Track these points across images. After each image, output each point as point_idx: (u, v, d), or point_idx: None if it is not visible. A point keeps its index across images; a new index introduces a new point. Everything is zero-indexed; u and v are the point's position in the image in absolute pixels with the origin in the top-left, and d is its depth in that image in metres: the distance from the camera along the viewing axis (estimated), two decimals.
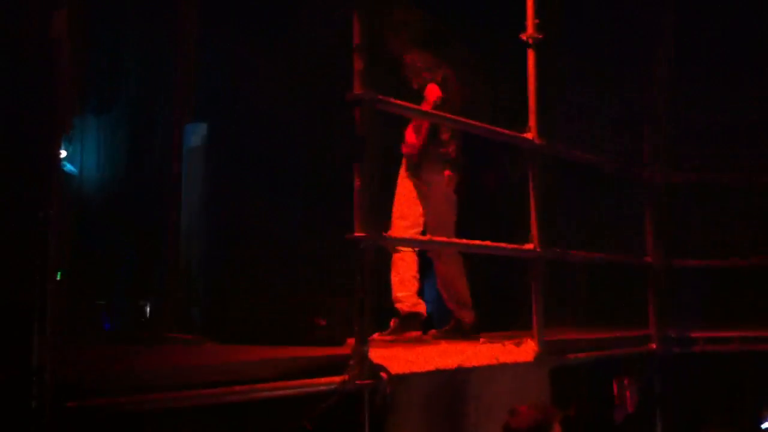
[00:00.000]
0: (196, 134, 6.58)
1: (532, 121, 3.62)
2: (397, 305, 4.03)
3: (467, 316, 4.11)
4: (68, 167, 6.61)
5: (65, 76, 2.17)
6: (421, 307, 4.07)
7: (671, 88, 5.03)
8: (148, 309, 5.66)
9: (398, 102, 3.04)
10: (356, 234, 2.81)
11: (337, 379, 2.68)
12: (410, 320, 4.01)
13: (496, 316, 4.75)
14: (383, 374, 2.78)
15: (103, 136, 7.01)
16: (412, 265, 4.03)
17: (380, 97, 2.91)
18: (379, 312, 3.94)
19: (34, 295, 2.07)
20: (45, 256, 2.11)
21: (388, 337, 3.88)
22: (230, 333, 3.44)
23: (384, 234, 2.88)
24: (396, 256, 4.02)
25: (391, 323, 4.02)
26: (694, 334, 4.63)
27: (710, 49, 5.86)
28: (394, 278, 4.05)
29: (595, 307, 5.76)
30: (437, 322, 4.50)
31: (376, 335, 3.77)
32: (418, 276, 4.07)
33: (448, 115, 3.58)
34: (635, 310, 4.85)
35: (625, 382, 4.05)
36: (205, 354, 3.05)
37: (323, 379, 2.67)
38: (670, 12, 5.16)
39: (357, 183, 2.85)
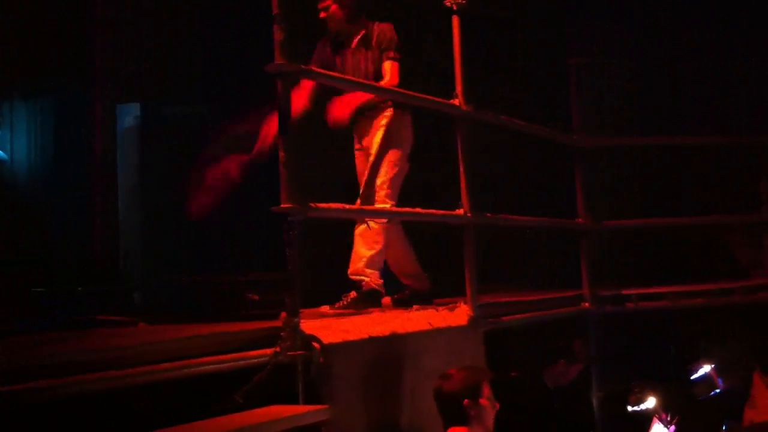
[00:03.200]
0: (129, 115, 6.48)
1: (458, 87, 3.64)
2: (360, 278, 3.88)
3: (423, 285, 4.10)
4: None
5: None
6: (382, 286, 3.97)
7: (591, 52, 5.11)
8: (85, 294, 5.58)
9: (323, 71, 3.03)
10: (284, 206, 2.80)
11: (269, 351, 2.68)
12: (372, 297, 3.88)
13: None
14: (316, 344, 2.79)
15: (33, 121, 6.84)
16: (382, 237, 3.93)
17: (303, 67, 2.90)
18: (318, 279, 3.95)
19: None
20: None
21: (343, 311, 3.72)
22: (166, 314, 3.41)
23: (312, 205, 2.86)
24: (361, 229, 3.91)
25: (350, 295, 3.84)
26: (626, 292, 4.74)
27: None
28: (362, 250, 3.91)
29: (525, 271, 5.85)
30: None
31: (325, 308, 3.76)
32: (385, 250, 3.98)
33: (378, 84, 3.57)
34: (565, 273, 4.95)
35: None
36: (137, 334, 3.01)
37: (255, 352, 2.67)
38: None
39: (282, 155, 2.83)
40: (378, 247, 3.90)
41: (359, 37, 4.07)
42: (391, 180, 3.95)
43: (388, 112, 4.01)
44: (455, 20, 3.70)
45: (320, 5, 4.06)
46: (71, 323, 3.63)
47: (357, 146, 4.18)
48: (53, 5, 6.02)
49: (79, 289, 5.76)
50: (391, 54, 4.01)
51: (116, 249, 5.91)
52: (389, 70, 3.94)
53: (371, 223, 3.87)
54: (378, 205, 3.89)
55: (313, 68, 2.99)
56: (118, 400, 2.38)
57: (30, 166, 6.74)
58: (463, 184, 3.57)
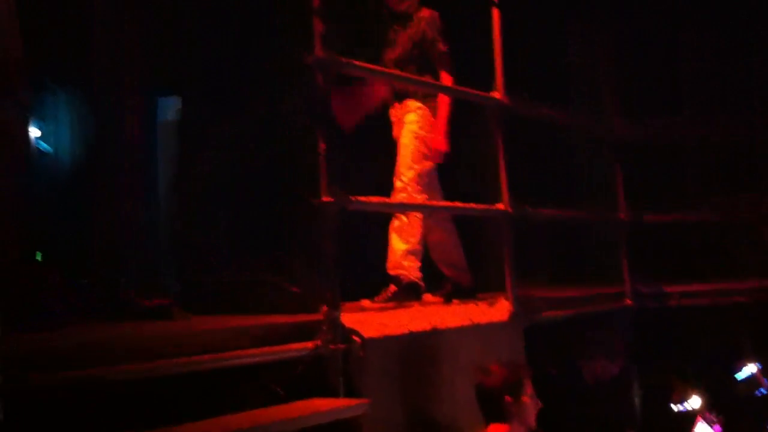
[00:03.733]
0: (170, 108, 6.53)
1: (498, 79, 3.60)
2: (399, 272, 3.83)
3: (465, 279, 4.04)
4: (42, 146, 6.55)
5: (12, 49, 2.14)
6: (421, 280, 3.90)
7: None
8: (125, 284, 5.63)
9: (361, 64, 3.01)
10: (323, 199, 2.80)
11: (309, 344, 2.68)
12: (411, 291, 3.82)
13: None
14: (356, 338, 2.78)
15: (75, 114, 6.93)
16: (418, 231, 3.87)
17: (342, 59, 2.88)
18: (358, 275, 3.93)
19: None
20: None
21: (384, 305, 3.70)
22: (204, 304, 3.42)
23: (351, 198, 2.85)
24: (400, 221, 3.85)
25: (390, 289, 3.80)
26: (668, 289, 4.66)
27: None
28: (398, 245, 3.85)
29: (561, 265, 5.77)
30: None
31: (366, 302, 3.76)
32: (422, 244, 3.92)
33: (413, 77, 3.54)
34: (601, 267, 4.88)
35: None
36: (180, 324, 3.03)
37: (295, 345, 2.67)
38: None
39: (321, 147, 2.83)
40: (414, 240, 3.85)
41: (412, 20, 4.00)
42: (420, 174, 3.86)
43: (420, 104, 3.93)
44: (495, 13, 3.66)
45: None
46: (115, 313, 3.66)
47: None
48: None
49: (122, 279, 5.82)
50: (442, 47, 3.94)
51: (155, 241, 5.95)
52: (444, 65, 3.89)
53: (403, 217, 3.82)
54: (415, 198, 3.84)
55: (353, 62, 2.96)
56: (161, 388, 2.39)
57: (73, 159, 6.84)
58: (502, 178, 3.54)
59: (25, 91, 3.00)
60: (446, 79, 3.89)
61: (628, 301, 4.51)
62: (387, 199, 3.06)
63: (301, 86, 2.96)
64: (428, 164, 3.91)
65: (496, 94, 3.56)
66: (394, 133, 4.08)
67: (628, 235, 4.63)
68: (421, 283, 3.86)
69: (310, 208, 2.82)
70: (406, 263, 3.84)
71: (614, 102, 4.76)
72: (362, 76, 3.04)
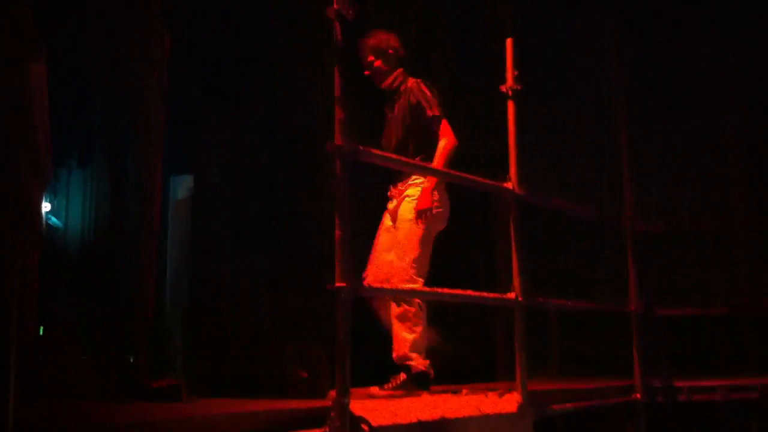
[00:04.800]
0: (182, 186, 6.61)
1: (512, 170, 3.65)
2: (408, 363, 3.81)
3: (420, 365, 3.84)
4: (53, 220, 6.59)
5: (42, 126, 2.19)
6: (429, 367, 3.86)
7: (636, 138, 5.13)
8: (132, 362, 5.59)
9: (379, 152, 3.07)
10: (337, 284, 2.81)
11: (318, 431, 2.65)
12: (421, 380, 3.79)
13: (475, 367, 4.72)
14: (365, 426, 2.76)
15: (88, 189, 7.01)
16: (422, 319, 3.82)
17: (361, 148, 2.94)
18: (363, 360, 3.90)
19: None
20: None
21: (392, 392, 3.69)
22: (212, 386, 3.40)
23: (364, 284, 2.87)
24: (403, 308, 3.78)
25: (400, 377, 3.79)
26: (678, 383, 4.61)
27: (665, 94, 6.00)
28: (405, 335, 3.81)
29: (567, 356, 5.73)
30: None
31: (374, 389, 3.74)
32: (427, 330, 3.88)
33: (429, 165, 3.60)
34: (609, 359, 4.84)
35: None
36: (186, 408, 3.00)
37: None
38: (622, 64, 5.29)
39: (338, 233, 2.86)
40: (419, 329, 3.83)
41: (400, 94, 4.08)
42: (418, 258, 3.84)
43: (420, 183, 3.93)
44: (511, 105, 3.74)
45: (365, 62, 4.12)
46: (120, 392, 3.63)
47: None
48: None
49: (126, 356, 5.79)
50: (437, 111, 3.97)
51: (164, 319, 5.96)
52: (437, 129, 3.92)
53: (407, 305, 3.78)
54: (414, 286, 3.77)
55: (372, 150, 3.02)
56: None
57: (83, 234, 6.88)
58: (515, 266, 3.55)
59: (50, 167, 3.06)
60: (446, 141, 3.91)
61: (638, 396, 4.45)
62: (400, 286, 3.07)
63: (320, 172, 3.01)
64: (423, 250, 3.89)
65: (510, 185, 3.61)
66: (390, 208, 4.09)
67: (639, 327, 4.61)
68: (431, 372, 3.83)
69: (324, 292, 2.83)
70: (413, 354, 3.82)
71: (630, 194, 4.80)
72: (382, 165, 3.10)
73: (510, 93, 3.77)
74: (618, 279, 4.81)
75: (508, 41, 3.78)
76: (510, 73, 3.80)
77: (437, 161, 3.88)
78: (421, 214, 3.86)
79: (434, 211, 3.90)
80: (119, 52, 4.76)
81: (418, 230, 3.89)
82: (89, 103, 6.09)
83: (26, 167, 2.54)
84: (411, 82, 4.08)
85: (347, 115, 2.91)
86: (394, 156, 3.19)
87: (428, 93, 4.01)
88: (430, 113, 3.96)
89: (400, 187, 4.03)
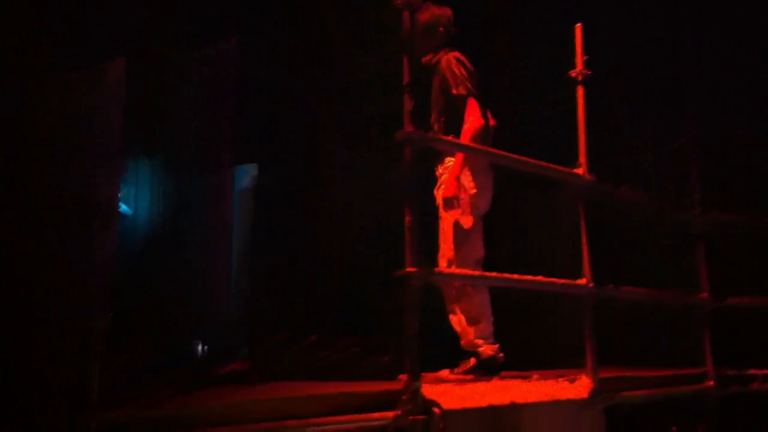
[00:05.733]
0: (246, 175, 6.71)
1: (582, 156, 3.62)
2: (476, 349, 3.79)
3: (488, 350, 3.80)
4: (122, 207, 6.76)
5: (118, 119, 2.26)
6: (498, 351, 3.81)
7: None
8: (200, 348, 5.72)
9: (448, 139, 3.07)
10: (407, 270, 2.83)
11: (390, 414, 2.68)
12: (490, 365, 3.76)
13: (543, 353, 4.69)
14: (436, 410, 2.78)
15: (156, 178, 7.16)
16: (487, 307, 3.77)
17: (430, 134, 2.95)
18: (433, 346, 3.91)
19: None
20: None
21: (462, 377, 3.67)
22: (279, 372, 3.47)
23: (434, 270, 2.88)
24: (466, 298, 3.74)
25: (470, 362, 3.79)
26: (753, 371, 4.52)
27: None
28: (470, 323, 3.77)
29: (640, 343, 5.65)
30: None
31: (445, 372, 3.74)
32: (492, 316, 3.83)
33: (497, 151, 3.57)
34: (675, 348, 4.77)
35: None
36: (259, 391, 3.06)
37: (376, 414, 2.68)
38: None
39: (407, 220, 2.87)
40: (484, 317, 3.79)
41: (437, 71, 3.89)
42: (458, 254, 3.70)
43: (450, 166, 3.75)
44: (580, 91, 3.70)
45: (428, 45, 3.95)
46: (192, 378, 3.72)
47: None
48: None
49: (194, 342, 5.93)
50: (463, 90, 3.77)
51: (230, 307, 6.06)
52: (462, 108, 3.70)
53: (469, 294, 3.73)
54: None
55: (440, 137, 3.03)
56: None
57: (151, 222, 7.04)
58: (585, 256, 3.52)
59: (123, 159, 3.14)
60: (469, 122, 3.69)
61: (711, 383, 4.37)
62: (470, 272, 3.07)
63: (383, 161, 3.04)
64: (468, 230, 3.75)
65: (581, 171, 3.57)
66: (435, 191, 3.95)
67: (710, 317, 4.53)
68: (500, 357, 3.82)
69: (394, 279, 2.86)
70: (480, 340, 3.80)
71: (699, 188, 4.71)
72: (450, 150, 3.10)
73: (580, 78, 3.73)
74: (677, 268, 4.73)
75: (577, 26, 3.74)
76: (579, 58, 3.76)
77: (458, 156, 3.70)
78: (446, 203, 3.74)
79: (463, 195, 3.74)
80: (188, 43, 4.86)
81: (450, 219, 3.78)
82: (158, 93, 6.23)
83: (101, 165, 2.61)
84: (444, 58, 3.87)
85: (416, 102, 2.93)
86: (461, 142, 3.18)
87: (457, 70, 3.80)
88: (455, 91, 3.76)
89: (440, 170, 3.90)
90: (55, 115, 2.86)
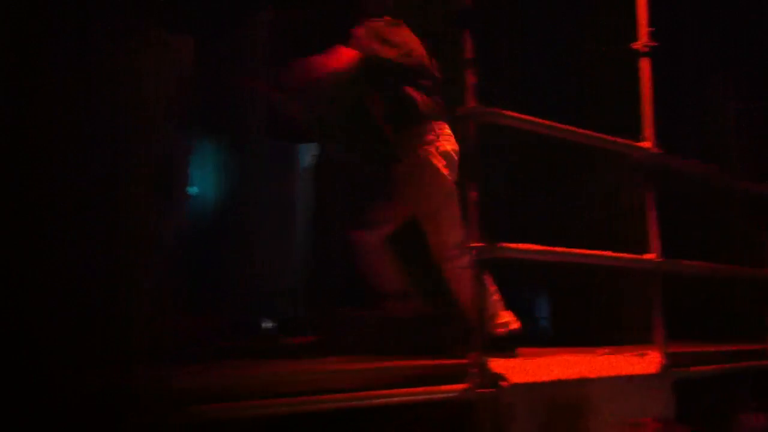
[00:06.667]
0: (308, 154, 6.79)
1: (648, 129, 3.57)
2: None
3: (500, 328, 3.57)
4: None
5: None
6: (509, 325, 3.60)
7: None
8: (267, 323, 5.83)
9: (511, 114, 3.07)
10: (472, 244, 2.85)
11: (457, 387, 2.72)
12: (504, 343, 3.50)
13: (612, 330, 4.67)
14: (503, 383, 2.81)
15: (219, 157, 7.29)
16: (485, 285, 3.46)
17: (495, 110, 2.95)
18: None
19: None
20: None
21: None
22: (345, 343, 3.52)
23: (499, 244, 2.90)
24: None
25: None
26: None
27: None
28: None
29: (704, 319, 5.56)
30: None
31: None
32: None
33: (560, 125, 3.54)
34: (742, 323, 4.69)
35: None
36: (326, 362, 3.12)
37: (443, 387, 2.72)
38: None
39: (471, 195, 2.89)
40: (491, 295, 3.55)
41: None
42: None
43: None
44: (645, 63, 3.65)
45: None
46: (260, 350, 3.81)
47: None
48: None
49: (260, 317, 6.04)
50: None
51: (296, 281, 6.17)
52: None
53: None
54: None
55: (504, 112, 3.02)
56: (315, 424, 2.48)
57: (215, 202, 7.18)
58: (653, 230, 3.49)
59: (191, 137, 3.22)
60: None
61: None
62: (536, 246, 3.07)
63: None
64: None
65: (646, 144, 3.53)
66: None
67: None
68: (511, 330, 3.60)
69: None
70: (498, 317, 3.58)
71: None
72: (515, 126, 3.09)
73: (644, 50, 3.68)
74: (745, 242, 4.64)
75: None
76: (643, 30, 3.70)
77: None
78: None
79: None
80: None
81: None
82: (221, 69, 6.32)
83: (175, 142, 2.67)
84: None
85: (478, 78, 2.93)
86: (527, 117, 3.16)
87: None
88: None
89: None
90: (128, 91, 2.95)
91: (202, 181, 7.08)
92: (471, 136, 2.93)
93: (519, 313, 3.88)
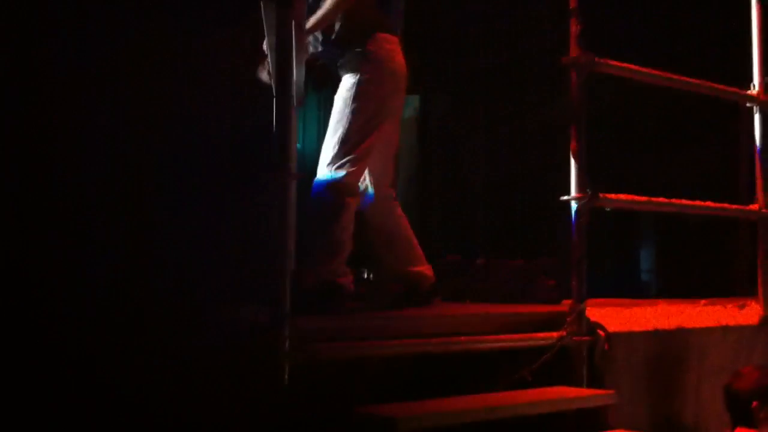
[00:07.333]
0: (409, 106, 6.86)
1: (759, 77, 3.49)
2: None
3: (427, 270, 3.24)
4: None
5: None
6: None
7: None
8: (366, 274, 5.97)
9: (616, 63, 3.06)
10: (575, 195, 2.89)
11: (555, 334, 2.79)
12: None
13: (712, 281, 4.61)
14: (600, 332, 2.86)
15: (323, 111, 7.44)
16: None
17: (598, 59, 2.96)
18: None
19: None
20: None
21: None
22: (449, 292, 3.62)
23: (601, 195, 2.92)
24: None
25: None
26: None
27: None
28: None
29: None
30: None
31: None
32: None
33: (665, 74, 3.50)
34: None
35: None
36: (431, 308, 3.22)
37: (542, 334, 2.80)
38: None
39: (573, 145, 2.92)
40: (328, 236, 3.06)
41: None
42: None
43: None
44: (758, 6, 3.55)
45: None
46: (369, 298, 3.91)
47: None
48: None
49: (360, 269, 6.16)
50: None
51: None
52: None
53: None
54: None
55: (608, 61, 3.01)
56: (426, 365, 2.61)
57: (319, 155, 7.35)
58: (759, 179, 3.43)
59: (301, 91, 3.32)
60: None
61: None
62: (636, 197, 3.08)
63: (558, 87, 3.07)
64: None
65: (755, 93, 3.45)
66: None
67: None
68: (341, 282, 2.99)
69: (560, 204, 2.93)
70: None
71: None
72: (619, 75, 3.08)
73: None
74: None
75: None
76: None
77: None
78: None
79: None
80: None
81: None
82: None
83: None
84: None
85: (584, 27, 2.93)
86: (632, 66, 3.14)
87: None
88: None
89: None
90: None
91: (305, 137, 7.27)
92: (576, 85, 2.94)
93: (624, 265, 3.91)
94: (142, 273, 2.82)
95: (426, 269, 3.22)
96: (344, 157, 3.00)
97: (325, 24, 3.03)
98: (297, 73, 2.48)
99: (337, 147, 3.01)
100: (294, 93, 2.40)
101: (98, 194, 2.83)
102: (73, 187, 2.78)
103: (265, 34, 2.77)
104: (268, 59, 2.93)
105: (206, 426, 2.23)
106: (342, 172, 2.98)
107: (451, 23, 5.96)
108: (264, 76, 3.02)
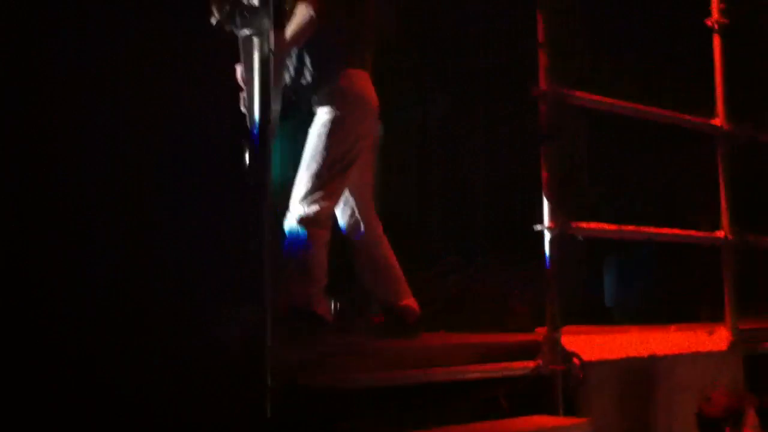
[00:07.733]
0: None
1: (719, 105, 3.57)
2: None
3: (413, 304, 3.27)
4: None
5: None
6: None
7: None
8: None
9: (584, 95, 3.12)
10: (548, 225, 2.93)
11: (531, 363, 2.81)
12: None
13: (678, 306, 4.69)
14: (576, 360, 2.88)
15: (285, 141, 7.43)
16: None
17: (566, 91, 3.01)
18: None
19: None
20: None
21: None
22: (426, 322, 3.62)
23: (572, 224, 2.96)
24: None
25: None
26: None
27: None
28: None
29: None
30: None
31: None
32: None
33: (634, 105, 3.56)
34: None
35: None
36: (413, 339, 3.18)
37: (519, 364, 2.81)
38: None
39: (545, 175, 2.96)
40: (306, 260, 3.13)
41: None
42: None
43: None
44: (716, 40, 3.64)
45: None
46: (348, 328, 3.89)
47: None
48: None
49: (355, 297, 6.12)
50: None
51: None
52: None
53: None
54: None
55: (576, 93, 3.06)
56: (394, 396, 2.60)
57: (286, 182, 7.33)
58: (723, 205, 3.51)
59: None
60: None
61: None
62: (607, 225, 3.12)
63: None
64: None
65: (718, 121, 3.54)
66: None
67: None
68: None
69: (534, 233, 2.96)
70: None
71: None
72: (589, 107, 3.14)
73: (716, 27, 3.67)
74: None
75: None
76: (716, 6, 3.69)
77: None
78: None
79: None
80: None
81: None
82: None
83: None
84: None
85: (552, 60, 2.98)
86: (601, 98, 3.20)
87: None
88: None
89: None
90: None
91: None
92: (545, 116, 2.98)
93: (588, 291, 3.96)
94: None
95: (412, 302, 3.26)
96: (316, 192, 3.03)
97: (288, 50, 3.06)
98: (273, 104, 2.48)
99: (310, 182, 3.04)
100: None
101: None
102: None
103: (242, 63, 2.79)
104: (243, 92, 2.94)
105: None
106: (315, 207, 3.01)
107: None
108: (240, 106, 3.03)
